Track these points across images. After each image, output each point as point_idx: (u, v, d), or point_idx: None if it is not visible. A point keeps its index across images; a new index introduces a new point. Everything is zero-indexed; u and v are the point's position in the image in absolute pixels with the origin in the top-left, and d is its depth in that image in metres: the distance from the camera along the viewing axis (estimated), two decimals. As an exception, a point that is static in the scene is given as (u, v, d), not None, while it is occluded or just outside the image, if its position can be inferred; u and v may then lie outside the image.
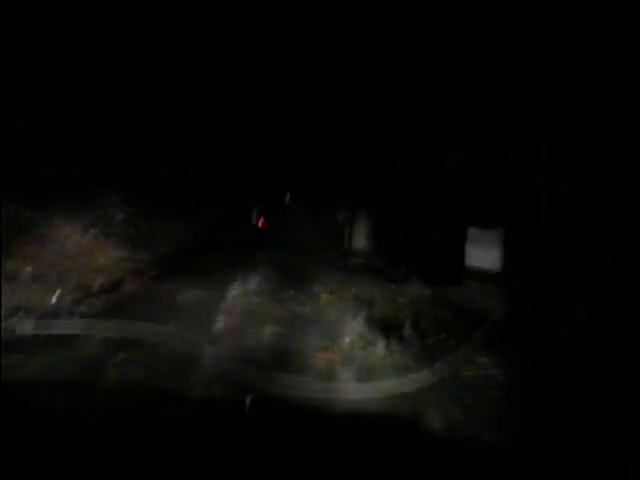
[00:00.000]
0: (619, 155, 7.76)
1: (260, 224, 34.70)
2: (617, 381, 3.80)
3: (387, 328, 6.01)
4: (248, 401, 1.68)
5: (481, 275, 9.22)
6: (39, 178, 9.11)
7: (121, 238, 12.30)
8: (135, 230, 13.44)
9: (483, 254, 9.49)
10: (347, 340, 5.37)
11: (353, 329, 5.81)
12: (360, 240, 15.42)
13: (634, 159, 7.29)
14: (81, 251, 9.56)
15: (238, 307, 6.86)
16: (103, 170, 12.18)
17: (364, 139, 14.13)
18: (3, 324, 5.71)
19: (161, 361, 4.58)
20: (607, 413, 3.37)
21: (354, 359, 4.93)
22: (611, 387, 3.70)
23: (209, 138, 19.99)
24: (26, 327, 5.94)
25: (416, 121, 11.47)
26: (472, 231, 9.69)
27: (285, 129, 20.38)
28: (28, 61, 9.52)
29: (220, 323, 5.97)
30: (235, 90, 18.80)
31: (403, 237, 13.58)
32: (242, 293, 7.68)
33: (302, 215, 26.63)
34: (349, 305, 7.47)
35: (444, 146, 10.66)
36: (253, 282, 8.84)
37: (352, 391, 4.10)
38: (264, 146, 22.53)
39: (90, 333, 5.88)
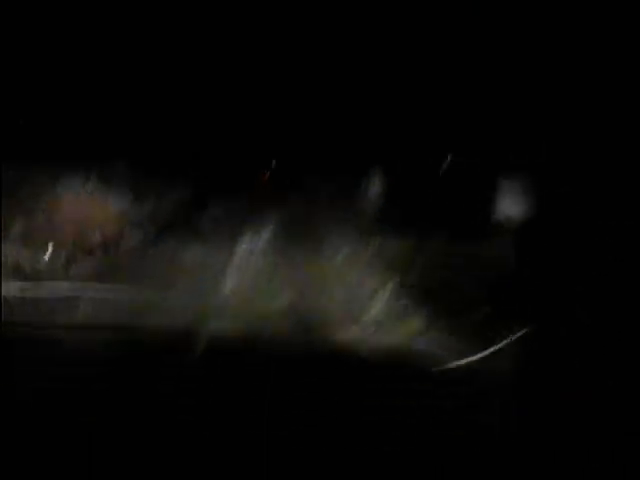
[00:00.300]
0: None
1: (265, 189, 33.66)
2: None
3: (416, 296, 5.37)
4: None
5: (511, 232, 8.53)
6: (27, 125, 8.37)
7: (122, 189, 11.62)
8: (137, 181, 12.72)
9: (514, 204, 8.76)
10: (373, 310, 4.74)
11: (378, 297, 5.17)
12: (375, 198, 14.61)
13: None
14: (77, 205, 8.95)
15: (245, 270, 6.26)
16: (99, 112, 11.22)
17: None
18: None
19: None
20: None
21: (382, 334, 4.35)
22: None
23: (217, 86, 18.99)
24: (10, 289, 5.38)
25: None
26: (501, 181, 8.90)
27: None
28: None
29: (225, 289, 5.36)
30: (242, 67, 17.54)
31: (425, 191, 12.70)
32: (249, 253, 7.07)
33: (310, 180, 25.84)
34: (368, 268, 6.85)
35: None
36: (261, 239, 8.23)
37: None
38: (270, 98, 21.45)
39: (82, 296, 5.33)
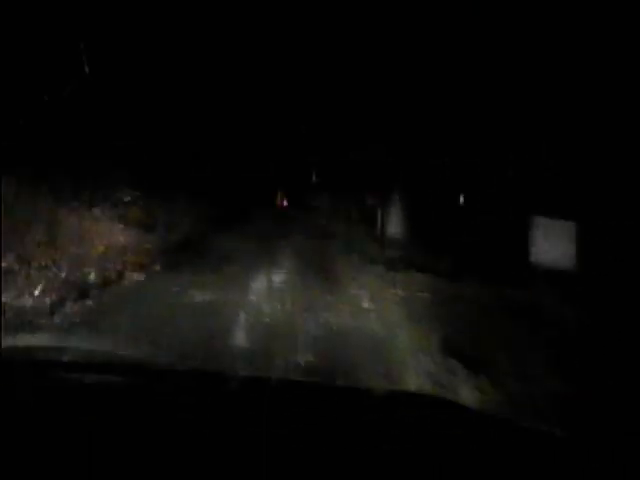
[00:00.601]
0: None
1: (282, 203, 33.01)
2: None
3: (452, 351, 4.54)
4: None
5: (549, 274, 7.66)
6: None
7: (127, 222, 10.95)
8: (143, 213, 12.07)
9: (552, 249, 7.91)
10: (410, 376, 3.86)
11: (414, 358, 4.32)
12: (395, 226, 13.82)
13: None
14: (76, 237, 8.22)
15: (257, 320, 5.41)
16: (107, 140, 10.75)
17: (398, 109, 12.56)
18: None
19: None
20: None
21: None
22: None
23: (228, 115, 18.65)
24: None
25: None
26: (540, 221, 8.08)
27: (310, 103, 18.96)
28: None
29: (235, 346, 4.51)
30: (257, 71, 17.52)
31: (449, 223, 11.90)
32: (262, 298, 6.24)
33: (328, 198, 25.04)
34: (396, 312, 6.00)
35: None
36: (276, 279, 7.39)
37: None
38: (286, 123, 21.08)
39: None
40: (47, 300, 5.32)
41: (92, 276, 6.35)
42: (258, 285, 6.85)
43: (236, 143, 18.88)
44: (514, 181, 8.98)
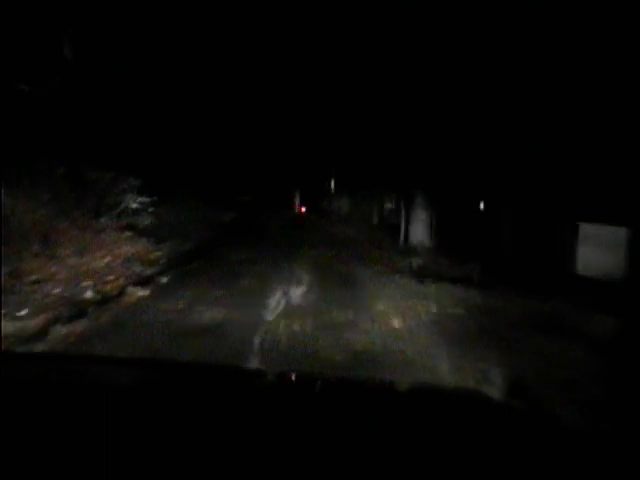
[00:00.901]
0: None
1: (300, 211, 32.35)
2: None
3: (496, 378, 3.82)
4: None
5: (596, 285, 6.86)
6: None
7: (133, 230, 10.34)
8: (151, 222, 11.43)
9: (600, 257, 7.11)
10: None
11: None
12: (420, 232, 12.99)
13: None
14: (77, 249, 7.64)
15: (271, 344, 4.70)
16: (111, 146, 10.15)
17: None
18: None
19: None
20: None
21: None
22: None
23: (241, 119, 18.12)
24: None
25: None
26: (586, 228, 7.27)
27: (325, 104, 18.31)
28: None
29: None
30: (269, 75, 17.01)
31: (478, 229, 11.13)
32: (278, 317, 5.54)
33: (348, 203, 24.25)
34: (431, 333, 5.26)
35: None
36: (293, 294, 6.69)
37: None
38: (303, 126, 20.44)
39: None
40: (36, 321, 4.70)
41: (90, 292, 5.73)
42: (273, 301, 6.16)
43: (250, 147, 18.33)
44: (552, 184, 8.21)
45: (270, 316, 5.51)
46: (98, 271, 6.78)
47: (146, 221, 10.00)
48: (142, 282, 6.53)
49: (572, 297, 6.63)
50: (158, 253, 8.42)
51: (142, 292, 6.06)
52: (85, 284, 6.09)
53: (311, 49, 14.09)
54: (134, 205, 9.93)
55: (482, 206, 11.52)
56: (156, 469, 0.90)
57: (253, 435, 1.05)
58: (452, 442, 1.08)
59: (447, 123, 10.55)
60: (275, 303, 6.08)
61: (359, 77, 13.31)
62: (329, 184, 26.53)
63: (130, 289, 6.08)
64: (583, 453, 1.09)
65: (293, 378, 1.70)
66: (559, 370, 4.20)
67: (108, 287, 6.18)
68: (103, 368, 1.53)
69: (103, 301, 5.73)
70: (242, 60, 14.28)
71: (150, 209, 10.54)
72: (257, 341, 4.58)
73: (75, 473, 0.86)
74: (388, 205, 15.82)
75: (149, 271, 7.30)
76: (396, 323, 5.42)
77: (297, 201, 32.62)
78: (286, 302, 6.19)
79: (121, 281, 6.53)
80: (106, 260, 7.41)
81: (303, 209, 31.26)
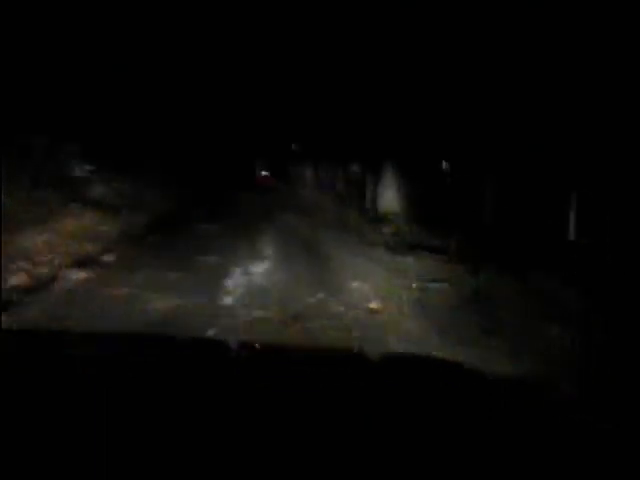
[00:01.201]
0: None
1: (263, 180, 31.41)
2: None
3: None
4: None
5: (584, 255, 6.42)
6: None
7: (81, 202, 9.31)
8: (101, 192, 10.42)
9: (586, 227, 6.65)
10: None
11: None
12: (390, 199, 12.36)
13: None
14: (10, 225, 6.73)
15: (231, 335, 4.01)
16: (69, 118, 9.00)
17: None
18: None
19: None
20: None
21: None
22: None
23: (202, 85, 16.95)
24: None
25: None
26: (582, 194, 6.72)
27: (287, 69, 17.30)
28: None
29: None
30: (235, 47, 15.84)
31: (456, 195, 10.47)
32: (240, 302, 4.86)
33: (312, 168, 23.41)
34: (414, 315, 4.69)
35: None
36: (257, 274, 6.02)
37: None
38: (264, 88, 19.37)
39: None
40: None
41: (18, 277, 4.93)
42: (236, 283, 5.47)
43: (209, 109, 17.16)
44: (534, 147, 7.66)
45: (230, 301, 4.85)
46: (32, 250, 5.95)
47: (96, 191, 9.03)
48: (84, 262, 5.72)
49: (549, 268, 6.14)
50: (105, 227, 7.55)
51: (82, 274, 5.25)
52: (13, 266, 5.27)
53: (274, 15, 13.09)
54: (80, 174, 8.94)
55: (457, 173, 10.95)
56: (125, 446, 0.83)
57: (221, 409, 1.01)
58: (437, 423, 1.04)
59: (423, 80, 9.84)
60: (236, 285, 5.40)
61: (325, 40, 12.48)
62: (294, 149, 25.66)
63: (68, 271, 5.28)
64: (581, 450, 1.02)
65: (258, 348, 1.63)
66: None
67: (43, 269, 5.39)
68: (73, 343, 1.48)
69: (35, 287, 4.94)
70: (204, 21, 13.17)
71: (102, 177, 9.54)
72: (212, 332, 3.92)
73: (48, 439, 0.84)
74: (355, 170, 15.12)
75: (93, 248, 6.49)
76: (373, 303, 4.84)
77: (260, 169, 31.58)
78: (248, 282, 5.53)
79: (58, 261, 5.72)
80: (43, 237, 6.55)
81: (266, 174, 30.32)
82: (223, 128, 20.88)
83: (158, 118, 12.78)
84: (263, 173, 30.44)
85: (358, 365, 1.46)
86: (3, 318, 4.09)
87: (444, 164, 10.19)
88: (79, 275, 5.28)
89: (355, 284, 5.56)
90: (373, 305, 4.81)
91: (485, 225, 8.05)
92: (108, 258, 6.24)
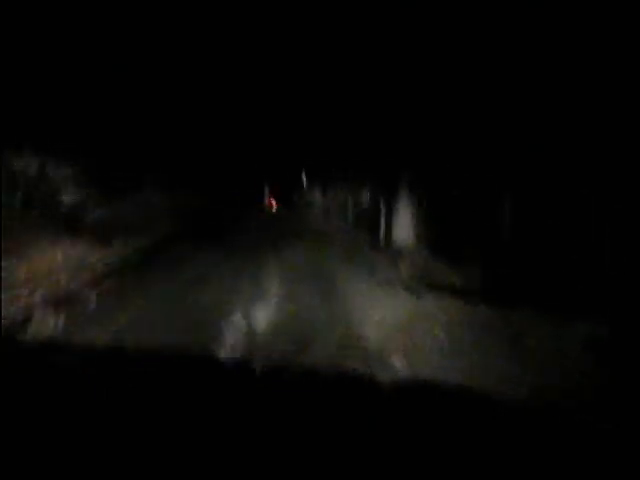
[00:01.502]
0: None
1: (270, 205, 30.88)
2: None
3: None
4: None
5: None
6: None
7: (72, 230, 8.64)
8: (97, 219, 9.74)
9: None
10: None
11: None
12: (404, 229, 11.63)
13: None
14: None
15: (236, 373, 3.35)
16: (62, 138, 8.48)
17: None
18: None
19: None
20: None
21: None
22: None
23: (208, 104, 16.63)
24: None
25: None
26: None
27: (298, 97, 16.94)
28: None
29: None
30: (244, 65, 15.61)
31: (473, 220, 9.78)
32: (240, 350, 4.14)
33: (321, 194, 22.82)
34: (431, 363, 3.93)
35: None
36: (259, 317, 5.30)
37: None
38: (273, 113, 19.00)
39: None
40: None
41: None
42: (237, 324, 4.77)
43: (212, 132, 16.67)
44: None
45: (231, 344, 4.14)
46: (6, 286, 5.27)
47: (87, 218, 8.38)
48: (61, 301, 5.03)
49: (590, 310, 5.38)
50: (93, 259, 6.87)
51: (56, 318, 4.55)
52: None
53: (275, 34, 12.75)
54: (72, 198, 8.30)
55: (476, 194, 10.19)
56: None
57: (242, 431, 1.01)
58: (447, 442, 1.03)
59: (434, 102, 9.29)
60: (233, 332, 4.68)
61: (329, 64, 12.09)
62: (301, 178, 25.21)
63: (40, 314, 4.58)
64: (582, 452, 1.03)
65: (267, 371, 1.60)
66: None
67: (13, 309, 4.70)
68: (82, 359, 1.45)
69: (7, 330, 4.24)
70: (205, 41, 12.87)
71: (95, 203, 8.90)
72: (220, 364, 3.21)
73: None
74: (365, 199, 14.48)
75: (79, 283, 5.81)
76: (396, 362, 4.09)
77: (267, 195, 31.11)
78: (247, 329, 4.80)
79: (34, 299, 5.04)
80: (24, 269, 5.88)
81: (274, 202, 29.83)
82: (228, 154, 20.43)
83: (160, 142, 12.29)
84: (270, 200, 29.99)
85: (368, 391, 1.44)
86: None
87: (459, 190, 9.54)
88: (53, 319, 4.56)
89: (372, 334, 4.83)
90: (396, 362, 4.06)
91: (504, 250, 7.34)
92: (92, 295, 5.56)
